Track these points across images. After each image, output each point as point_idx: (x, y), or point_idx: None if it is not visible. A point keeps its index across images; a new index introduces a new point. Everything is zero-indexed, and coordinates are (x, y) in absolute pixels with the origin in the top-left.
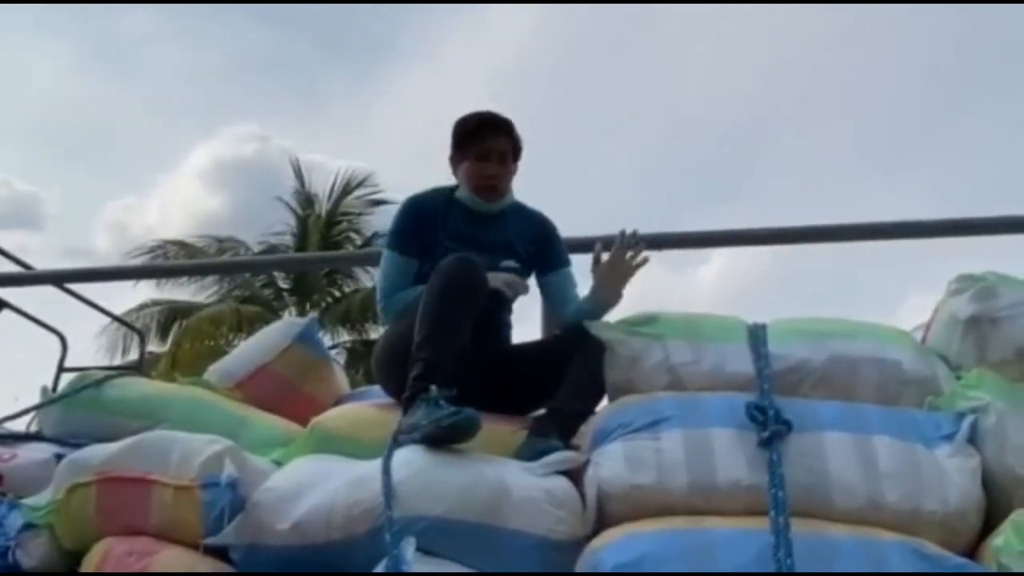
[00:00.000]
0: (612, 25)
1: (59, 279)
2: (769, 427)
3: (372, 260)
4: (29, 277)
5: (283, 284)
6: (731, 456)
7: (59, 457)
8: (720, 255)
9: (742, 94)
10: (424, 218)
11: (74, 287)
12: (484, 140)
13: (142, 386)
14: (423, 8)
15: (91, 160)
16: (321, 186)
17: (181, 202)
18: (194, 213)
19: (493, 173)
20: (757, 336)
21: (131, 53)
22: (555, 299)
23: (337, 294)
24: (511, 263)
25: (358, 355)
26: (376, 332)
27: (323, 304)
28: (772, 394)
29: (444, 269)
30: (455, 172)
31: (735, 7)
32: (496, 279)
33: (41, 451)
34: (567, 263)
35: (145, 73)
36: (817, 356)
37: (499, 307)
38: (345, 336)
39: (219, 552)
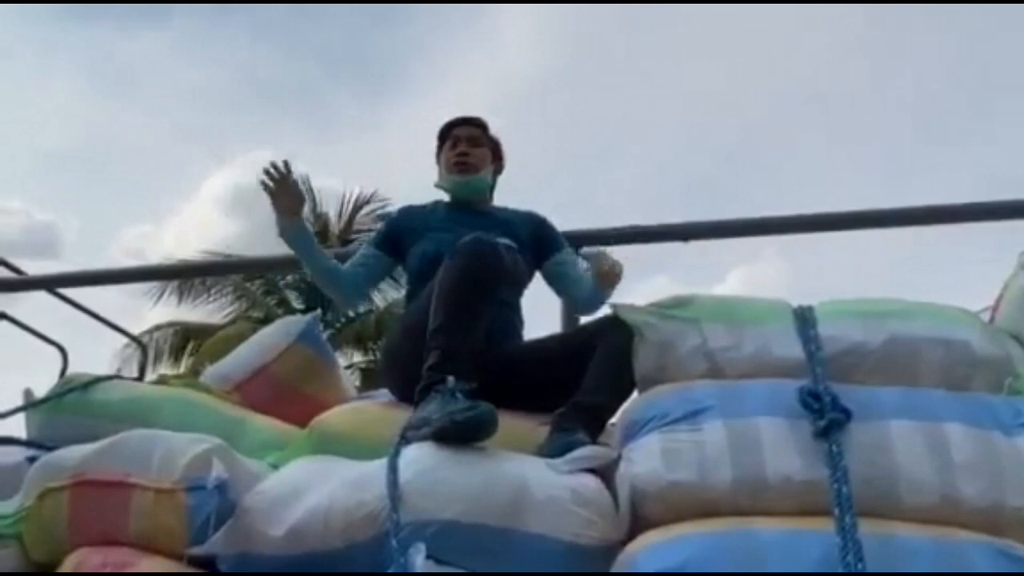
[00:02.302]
0: (623, 41)
1: (51, 284)
2: (826, 415)
3: None
4: (19, 283)
5: (296, 304)
6: (781, 448)
7: (32, 461)
8: (735, 275)
9: (758, 95)
10: (412, 218)
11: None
12: (453, 130)
13: (131, 389)
14: (433, 31)
15: (108, 188)
16: (334, 207)
17: (198, 228)
18: (212, 239)
19: (463, 150)
20: (804, 318)
21: (145, 80)
22: (565, 280)
23: (351, 314)
24: (507, 241)
25: (372, 376)
26: None
27: (336, 324)
28: (827, 378)
29: (461, 250)
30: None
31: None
32: None
33: (10, 454)
34: (566, 244)
35: (160, 100)
36: (873, 338)
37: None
38: (358, 357)
39: (205, 563)
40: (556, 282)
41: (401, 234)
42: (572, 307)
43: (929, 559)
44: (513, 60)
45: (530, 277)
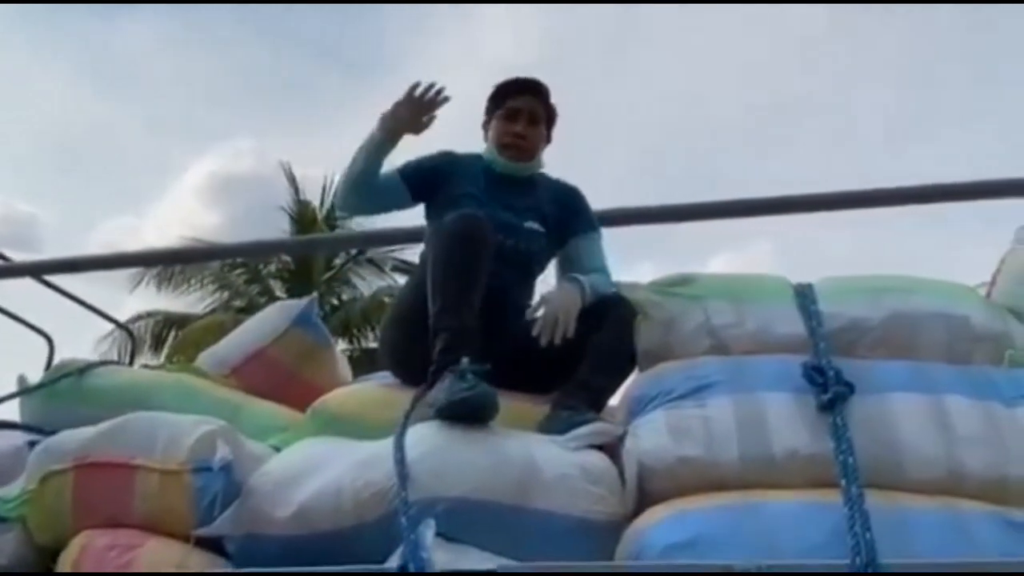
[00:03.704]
0: (608, 29)
1: (37, 271)
2: (830, 389)
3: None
4: (3, 269)
5: (280, 293)
6: (787, 423)
7: (32, 445)
8: (718, 261)
9: (741, 88)
10: (452, 169)
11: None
12: (514, 99)
13: (127, 375)
14: (414, 21)
15: (89, 179)
16: (316, 195)
17: (179, 219)
18: (192, 229)
19: (520, 131)
20: (805, 295)
21: (127, 71)
22: (577, 265)
23: (335, 302)
24: (535, 226)
25: (358, 364)
26: (377, 342)
27: (321, 313)
28: (829, 354)
29: (445, 230)
30: (485, 138)
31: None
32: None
33: (11, 439)
34: (595, 228)
35: (141, 91)
36: (874, 314)
37: (514, 270)
38: (344, 345)
39: (212, 544)
40: (568, 263)
41: (436, 183)
42: None
43: (935, 529)
44: (493, 45)
45: (549, 259)
